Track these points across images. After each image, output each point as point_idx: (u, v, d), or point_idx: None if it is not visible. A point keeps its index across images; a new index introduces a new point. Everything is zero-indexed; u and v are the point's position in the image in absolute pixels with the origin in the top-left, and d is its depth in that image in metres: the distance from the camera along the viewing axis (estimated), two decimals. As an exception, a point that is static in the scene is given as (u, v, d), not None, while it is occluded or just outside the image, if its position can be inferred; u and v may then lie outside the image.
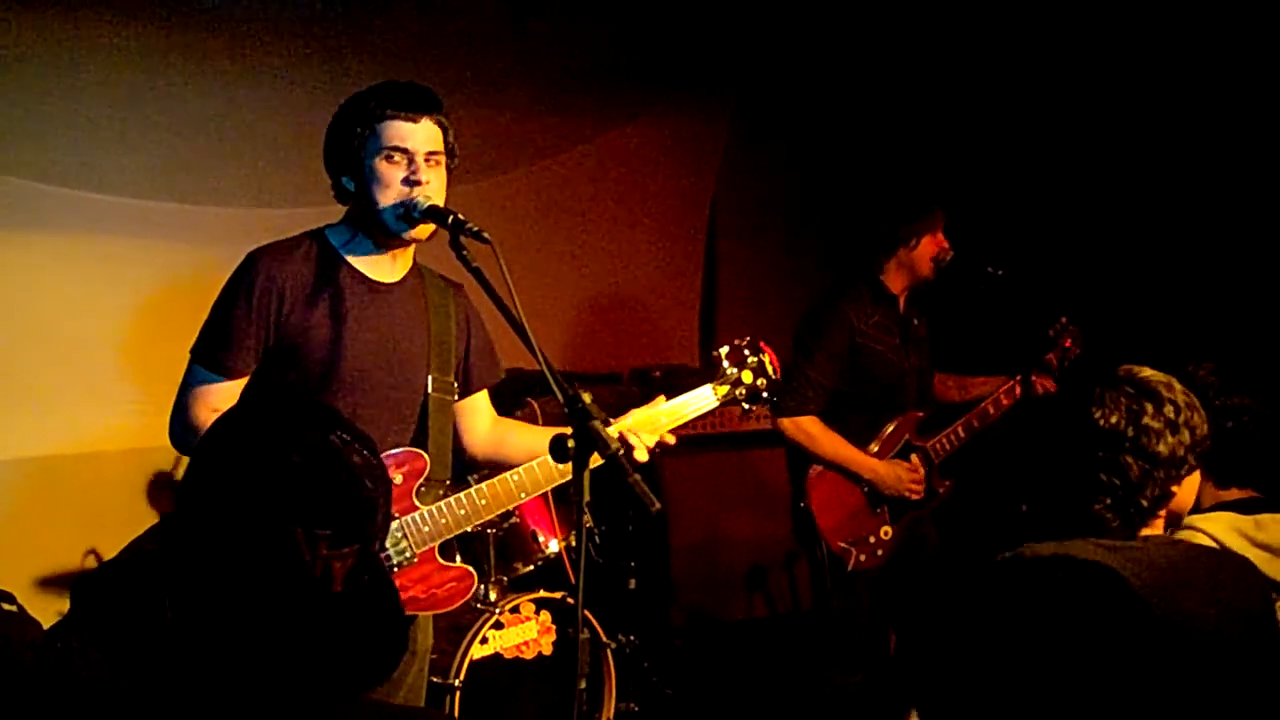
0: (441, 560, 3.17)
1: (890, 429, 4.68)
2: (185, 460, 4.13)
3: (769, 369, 3.56)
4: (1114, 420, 2.55)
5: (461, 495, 3.15)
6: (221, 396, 3.03)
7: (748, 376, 3.53)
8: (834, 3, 5.76)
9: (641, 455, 3.25)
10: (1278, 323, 4.94)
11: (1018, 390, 4.76)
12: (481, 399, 3.47)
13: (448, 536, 3.15)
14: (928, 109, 6.31)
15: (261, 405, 2.01)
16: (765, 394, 3.57)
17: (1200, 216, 5.46)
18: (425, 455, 3.14)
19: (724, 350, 3.55)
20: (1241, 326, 5.00)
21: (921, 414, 4.77)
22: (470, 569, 3.23)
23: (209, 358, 3.05)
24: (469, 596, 3.23)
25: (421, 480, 3.13)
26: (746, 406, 3.57)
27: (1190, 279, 5.46)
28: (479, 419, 3.47)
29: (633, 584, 5.45)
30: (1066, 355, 4.94)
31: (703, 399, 3.50)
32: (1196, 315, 5.30)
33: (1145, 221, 5.68)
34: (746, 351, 3.55)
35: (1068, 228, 5.90)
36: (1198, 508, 3.12)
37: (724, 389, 3.51)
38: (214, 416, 3.00)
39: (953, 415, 4.82)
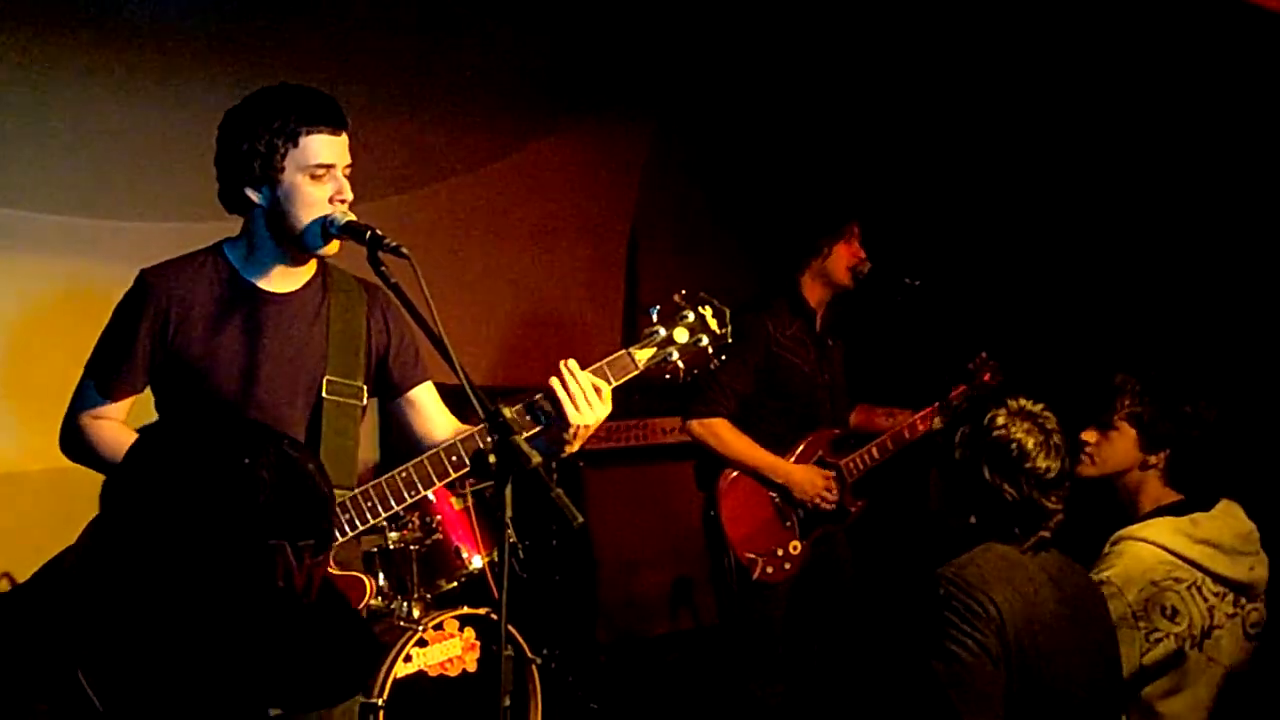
0: (333, 568, 3.05)
1: (804, 444, 4.72)
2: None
3: (711, 324, 3.21)
4: (1014, 445, 2.83)
5: (346, 500, 3.02)
6: (107, 410, 3.06)
7: (682, 335, 3.17)
8: (753, 20, 5.80)
9: (576, 412, 2.98)
10: (1203, 330, 5.05)
11: (935, 418, 4.82)
12: (429, 400, 3.31)
13: (339, 542, 3.00)
14: (847, 121, 6.38)
15: (199, 426, 1.98)
16: (711, 351, 3.19)
17: (1122, 224, 5.55)
18: None
19: (656, 308, 3.19)
20: (1164, 337, 5.09)
21: (836, 431, 4.81)
22: (363, 576, 3.10)
23: (96, 375, 3.06)
24: (363, 605, 3.09)
25: None
26: (682, 367, 3.16)
27: (1111, 289, 5.56)
28: (431, 420, 3.30)
29: (556, 598, 5.46)
30: (986, 388, 4.99)
31: (622, 365, 3.11)
32: (1117, 326, 5.40)
33: (1063, 235, 5.77)
34: (684, 305, 3.20)
35: (986, 242, 5.99)
36: (1139, 511, 3.31)
37: (648, 351, 3.14)
38: (97, 424, 3.03)
39: (868, 437, 4.87)
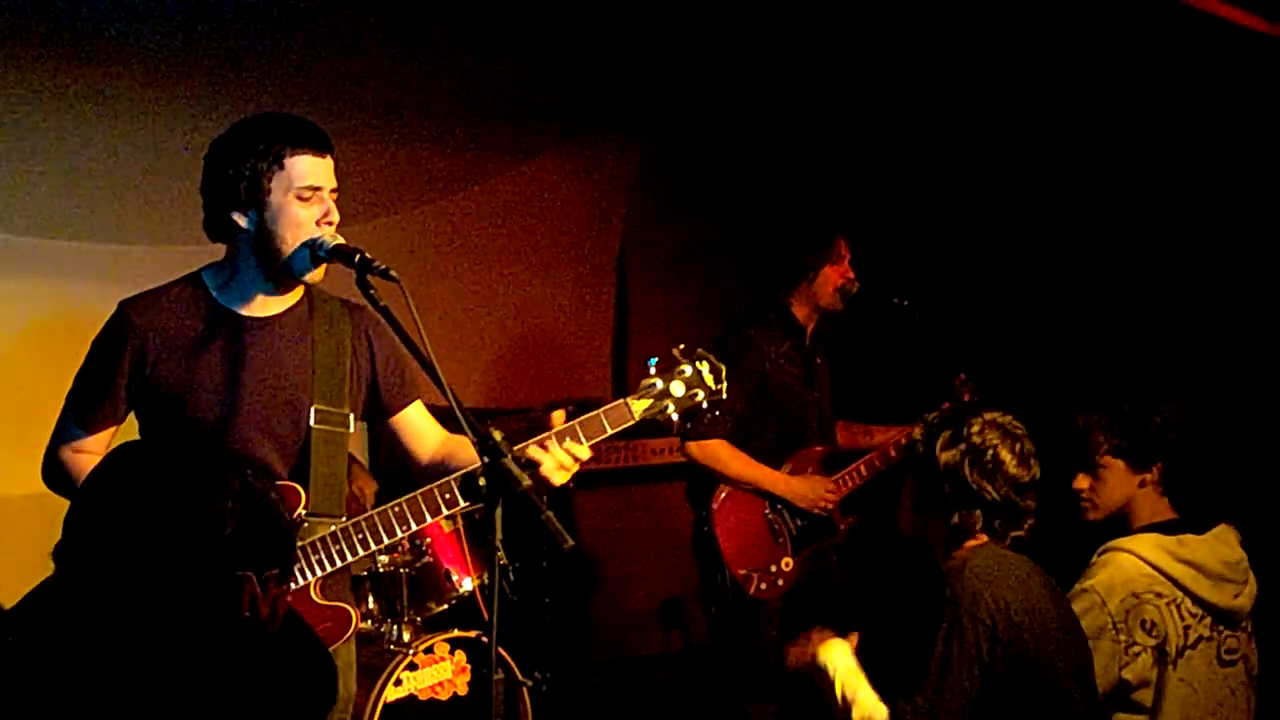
0: (319, 599, 3.04)
1: (793, 461, 4.72)
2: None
3: (707, 379, 3.23)
4: (990, 451, 3.09)
5: (337, 531, 3.01)
6: (86, 443, 3.06)
7: (678, 388, 3.19)
8: (740, 40, 5.80)
9: (554, 476, 3.01)
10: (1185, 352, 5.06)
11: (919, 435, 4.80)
12: (417, 418, 3.31)
13: (326, 573, 3.01)
14: (836, 141, 6.38)
15: (160, 458, 1.97)
16: (705, 406, 3.23)
17: (1107, 241, 5.57)
18: (300, 490, 3.02)
19: (654, 360, 3.22)
20: (1147, 353, 5.10)
21: (825, 448, 4.81)
22: (348, 607, 3.08)
23: (75, 408, 3.06)
24: (346, 636, 3.08)
25: (295, 515, 2.99)
26: (676, 419, 3.21)
27: (1092, 309, 5.57)
28: (420, 438, 3.31)
29: (547, 619, 5.44)
30: (968, 407, 4.98)
31: (619, 415, 3.14)
32: (1104, 343, 5.41)
33: (1048, 255, 5.78)
34: (681, 360, 3.22)
35: (974, 263, 5.99)
36: (1133, 524, 3.32)
37: (645, 403, 3.17)
38: (77, 458, 3.02)
39: (855, 455, 4.87)
